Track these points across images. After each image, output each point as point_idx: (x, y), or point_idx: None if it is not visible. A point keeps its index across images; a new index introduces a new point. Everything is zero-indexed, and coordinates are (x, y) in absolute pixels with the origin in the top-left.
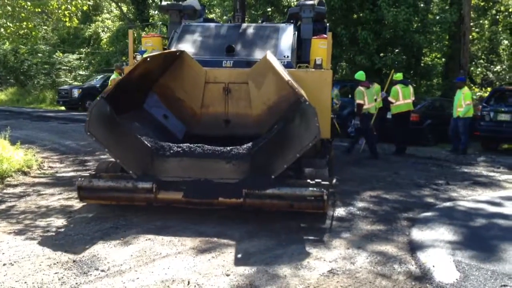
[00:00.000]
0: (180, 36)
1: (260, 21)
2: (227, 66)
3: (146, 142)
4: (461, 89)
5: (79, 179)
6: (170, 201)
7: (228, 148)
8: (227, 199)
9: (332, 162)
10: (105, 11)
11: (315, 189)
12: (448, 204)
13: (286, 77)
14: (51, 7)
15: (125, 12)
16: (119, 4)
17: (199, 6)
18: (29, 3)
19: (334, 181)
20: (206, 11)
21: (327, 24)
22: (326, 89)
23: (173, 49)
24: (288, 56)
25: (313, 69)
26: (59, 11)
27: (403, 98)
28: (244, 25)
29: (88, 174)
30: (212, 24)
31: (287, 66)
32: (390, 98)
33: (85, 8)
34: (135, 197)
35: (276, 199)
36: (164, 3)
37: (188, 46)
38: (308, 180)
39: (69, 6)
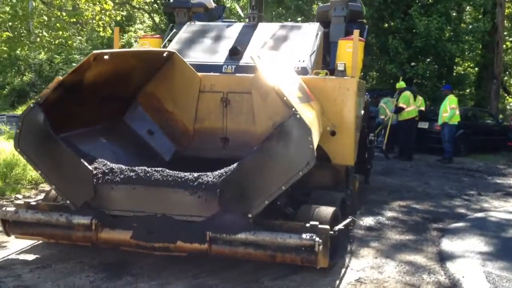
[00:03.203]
0: (181, 37)
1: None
2: (227, 71)
3: (86, 164)
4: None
5: (3, 209)
6: (116, 243)
7: (195, 175)
8: (188, 244)
9: (355, 196)
10: (138, 21)
11: (305, 236)
12: (479, 214)
13: (272, 83)
14: (85, 17)
15: (157, 23)
16: (152, 14)
17: (212, 4)
18: (64, 14)
19: (349, 221)
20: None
21: (366, 26)
22: (349, 101)
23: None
24: (303, 61)
25: (333, 77)
26: (94, 21)
27: (413, 103)
28: (261, 24)
29: (23, 203)
30: (222, 24)
31: (300, 72)
32: (401, 104)
33: (118, 18)
34: (72, 235)
35: (252, 247)
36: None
37: (186, 48)
38: (301, 223)
39: (103, 16)
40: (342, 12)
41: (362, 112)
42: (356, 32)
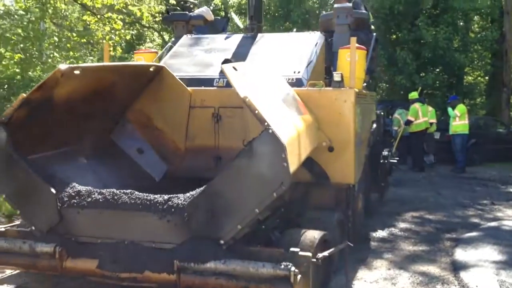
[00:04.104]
0: (175, 50)
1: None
2: (219, 85)
3: (50, 187)
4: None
5: None
6: (82, 272)
7: (165, 197)
8: (156, 274)
9: (358, 217)
10: (148, 40)
11: (280, 265)
12: (493, 224)
13: (243, 95)
14: (96, 37)
15: (167, 41)
16: (161, 33)
17: (212, 16)
18: (74, 34)
19: (342, 246)
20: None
21: (374, 34)
22: (347, 114)
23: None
24: (298, 72)
25: (329, 88)
26: (104, 41)
27: (422, 116)
28: (260, 35)
29: None
30: (219, 36)
31: (295, 84)
32: (409, 117)
33: (128, 37)
34: (37, 263)
35: (223, 277)
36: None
37: (180, 61)
38: (280, 249)
39: (113, 36)
40: (346, 20)
41: (374, 125)
42: (353, 39)
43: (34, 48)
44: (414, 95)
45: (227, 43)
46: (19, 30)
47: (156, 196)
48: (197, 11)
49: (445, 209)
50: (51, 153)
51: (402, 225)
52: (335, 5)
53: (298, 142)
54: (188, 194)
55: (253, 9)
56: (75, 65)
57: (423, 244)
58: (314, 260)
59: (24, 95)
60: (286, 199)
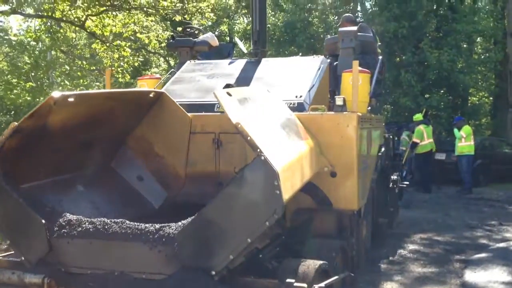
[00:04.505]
0: (178, 76)
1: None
2: (220, 110)
3: (38, 216)
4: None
5: None
6: None
7: (157, 226)
8: None
9: (363, 245)
10: (154, 65)
11: None
12: (502, 245)
13: (235, 121)
14: (105, 65)
15: (172, 66)
16: (167, 58)
17: (217, 42)
18: (84, 62)
19: (343, 276)
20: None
21: (380, 57)
22: (349, 139)
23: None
24: (300, 96)
25: (331, 112)
26: (113, 68)
27: (427, 137)
28: (264, 60)
29: None
30: (223, 61)
31: (297, 108)
32: (415, 139)
33: (136, 64)
34: None
35: None
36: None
37: (181, 87)
38: (274, 281)
39: (122, 63)
40: (350, 44)
41: (382, 149)
42: (355, 63)
43: (44, 77)
44: (418, 117)
45: (231, 68)
46: (27, 59)
47: (147, 225)
48: (201, 37)
49: (453, 230)
50: (47, 181)
51: (411, 246)
52: (340, 29)
53: (294, 168)
54: (180, 223)
55: (257, 34)
56: (68, 92)
57: (432, 265)
58: None
59: (16, 123)
60: (287, 226)
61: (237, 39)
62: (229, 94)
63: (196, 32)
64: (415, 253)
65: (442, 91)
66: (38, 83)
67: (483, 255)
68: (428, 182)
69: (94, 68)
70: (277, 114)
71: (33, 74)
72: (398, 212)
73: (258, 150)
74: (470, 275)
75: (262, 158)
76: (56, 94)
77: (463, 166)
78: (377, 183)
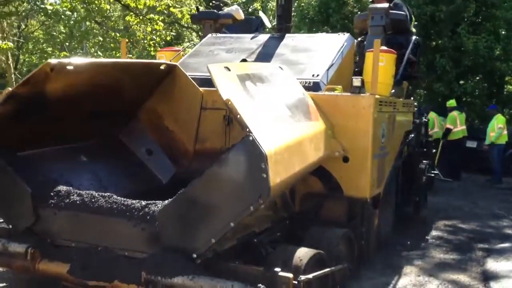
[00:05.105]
0: (197, 49)
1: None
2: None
3: (25, 185)
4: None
5: None
6: (54, 276)
7: (143, 203)
8: (125, 285)
9: (374, 234)
10: (186, 40)
11: (253, 286)
12: None
13: (225, 97)
14: (138, 37)
15: None
16: (199, 33)
17: (242, 15)
18: (118, 34)
19: (338, 268)
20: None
21: (413, 37)
22: (364, 122)
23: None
24: (317, 75)
25: (347, 94)
26: (145, 41)
27: (460, 124)
28: (288, 36)
29: None
30: (245, 35)
31: (312, 88)
32: (448, 125)
33: (168, 38)
34: (11, 263)
35: None
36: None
37: (198, 60)
38: (260, 268)
39: (154, 36)
40: (380, 22)
41: (411, 135)
42: (377, 42)
43: (79, 47)
44: (452, 103)
45: (252, 43)
46: (62, 28)
47: (134, 201)
48: (226, 10)
49: (479, 219)
50: (48, 150)
51: (435, 233)
52: (370, 6)
53: (292, 151)
54: (167, 201)
55: (281, 8)
56: (67, 60)
57: (454, 252)
58: (296, 282)
59: (10, 89)
60: (294, 210)
61: (261, 13)
62: (228, 69)
63: (222, 5)
64: (438, 240)
65: (477, 78)
66: (72, 53)
67: (506, 244)
68: (457, 170)
69: (127, 40)
70: (285, 92)
71: (67, 43)
72: (425, 202)
73: (247, 129)
74: (491, 264)
75: (250, 138)
76: (53, 61)
77: (494, 155)
78: (402, 171)
